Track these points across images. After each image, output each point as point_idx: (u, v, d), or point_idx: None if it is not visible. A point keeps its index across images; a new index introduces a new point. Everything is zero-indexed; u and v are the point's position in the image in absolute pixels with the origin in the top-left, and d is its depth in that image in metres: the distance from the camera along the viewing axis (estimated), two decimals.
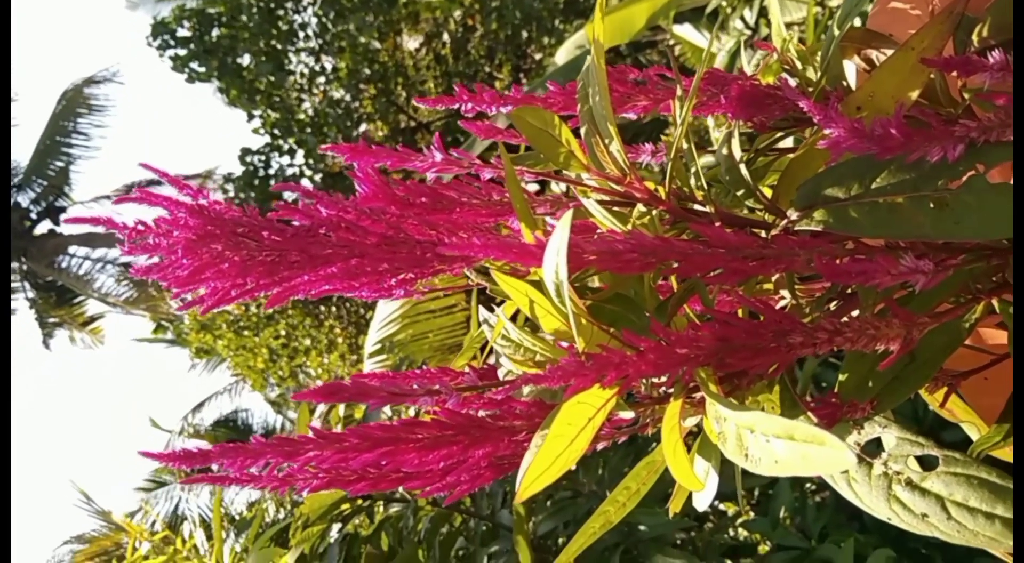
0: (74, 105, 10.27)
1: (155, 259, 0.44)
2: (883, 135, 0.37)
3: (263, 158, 6.94)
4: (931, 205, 0.38)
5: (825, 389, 2.27)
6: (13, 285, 10.68)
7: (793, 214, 0.43)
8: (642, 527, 1.79)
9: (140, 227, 0.40)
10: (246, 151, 6.98)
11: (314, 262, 0.41)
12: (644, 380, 0.45)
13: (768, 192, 0.52)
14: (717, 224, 0.47)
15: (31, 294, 10.69)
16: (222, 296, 0.41)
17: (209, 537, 2.31)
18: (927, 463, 0.36)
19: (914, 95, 0.43)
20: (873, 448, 0.39)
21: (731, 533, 2.31)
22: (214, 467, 0.44)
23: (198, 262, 0.40)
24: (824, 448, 0.30)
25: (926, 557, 1.80)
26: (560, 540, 2.22)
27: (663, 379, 0.44)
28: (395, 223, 0.42)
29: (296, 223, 0.45)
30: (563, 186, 0.53)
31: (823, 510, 1.92)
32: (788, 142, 0.58)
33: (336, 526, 2.11)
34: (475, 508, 2.21)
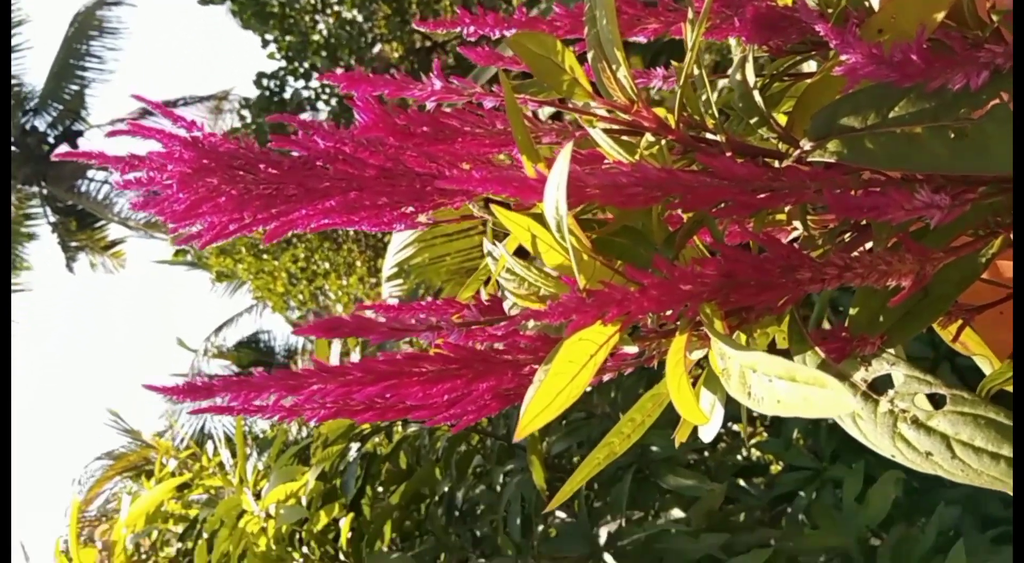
0: (87, 28, 10.14)
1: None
2: (903, 61, 0.35)
3: (278, 82, 6.84)
4: (951, 135, 0.36)
5: (842, 313, 2.26)
6: (35, 211, 10.76)
7: (807, 144, 0.42)
8: (654, 448, 1.82)
9: (134, 162, 0.39)
10: (261, 75, 6.88)
11: (311, 195, 0.40)
12: (649, 314, 0.44)
13: (783, 119, 0.50)
14: (727, 154, 0.46)
15: (52, 219, 10.79)
16: (220, 231, 0.41)
17: (234, 454, 2.37)
18: (935, 401, 0.36)
19: (939, 17, 0.40)
20: (880, 385, 0.39)
21: (744, 453, 2.34)
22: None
23: (194, 196, 0.39)
24: (826, 391, 0.29)
25: (935, 478, 1.82)
26: (574, 459, 2.27)
27: (668, 313, 0.43)
28: (394, 155, 0.41)
29: (295, 155, 0.44)
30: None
31: (835, 432, 1.93)
32: (808, 66, 0.55)
33: (355, 445, 2.16)
34: (491, 428, 2.26)
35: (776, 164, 0.45)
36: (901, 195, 0.34)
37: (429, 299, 0.49)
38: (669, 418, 0.51)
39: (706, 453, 2.14)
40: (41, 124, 10.52)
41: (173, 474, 2.53)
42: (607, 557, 1.61)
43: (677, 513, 1.76)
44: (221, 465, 2.46)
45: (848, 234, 0.48)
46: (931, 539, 1.51)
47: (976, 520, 1.68)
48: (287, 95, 6.86)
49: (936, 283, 0.40)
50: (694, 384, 0.46)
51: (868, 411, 0.37)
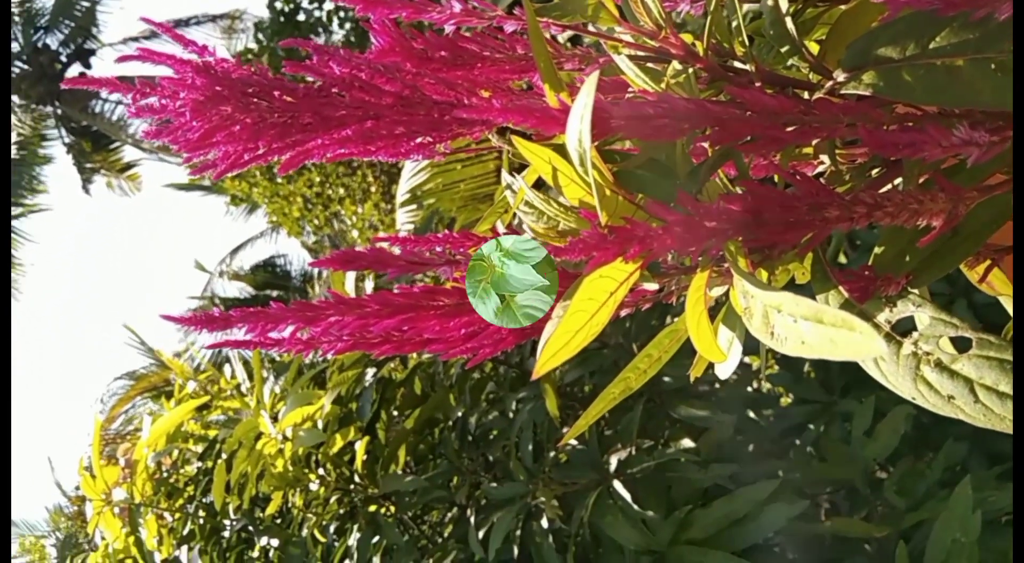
0: None
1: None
2: None
3: (292, 5, 6.70)
4: (992, 67, 0.35)
5: (859, 247, 2.23)
6: (50, 131, 10.71)
7: (840, 75, 0.40)
8: (666, 378, 1.84)
9: (145, 89, 0.38)
10: None
11: (327, 124, 0.39)
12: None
13: (814, 48, 0.48)
14: (757, 84, 0.44)
15: (68, 139, 10.75)
16: (234, 160, 0.40)
17: (251, 377, 2.41)
18: (959, 344, 0.35)
19: None
20: (899, 325, 0.38)
21: (754, 385, 2.36)
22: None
23: (208, 125, 0.38)
24: (853, 334, 0.28)
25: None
26: (586, 388, 2.29)
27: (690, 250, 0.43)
28: (411, 82, 0.40)
29: (310, 82, 0.42)
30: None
31: (847, 366, 1.93)
32: None
33: (371, 370, 2.19)
34: (505, 356, 2.27)
35: (806, 96, 0.43)
36: (939, 132, 0.33)
37: (445, 231, 0.49)
38: (683, 348, 0.51)
39: (717, 384, 2.15)
40: (53, 42, 10.39)
41: (192, 396, 2.58)
42: (616, 484, 1.64)
43: (687, 443, 1.78)
44: (238, 387, 2.50)
45: (876, 169, 0.47)
46: (937, 474, 1.53)
47: (983, 456, 1.70)
48: (301, 17, 6.73)
49: (966, 222, 0.39)
50: (712, 320, 0.46)
51: (891, 352, 0.36)
